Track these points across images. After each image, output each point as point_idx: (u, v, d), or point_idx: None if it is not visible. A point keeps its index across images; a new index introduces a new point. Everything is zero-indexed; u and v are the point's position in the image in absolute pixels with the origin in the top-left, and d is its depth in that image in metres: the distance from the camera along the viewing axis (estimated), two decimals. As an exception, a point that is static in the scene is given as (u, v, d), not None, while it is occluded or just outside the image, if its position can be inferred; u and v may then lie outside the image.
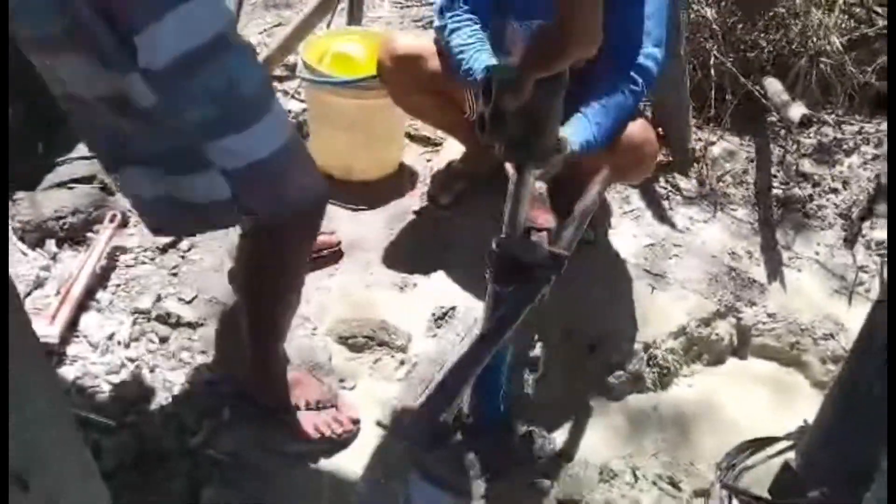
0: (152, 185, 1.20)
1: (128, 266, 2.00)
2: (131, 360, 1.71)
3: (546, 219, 1.91)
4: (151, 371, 1.70)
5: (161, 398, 1.65)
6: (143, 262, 2.00)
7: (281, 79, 2.79)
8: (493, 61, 1.75)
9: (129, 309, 1.86)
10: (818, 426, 0.86)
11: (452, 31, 1.85)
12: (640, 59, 1.77)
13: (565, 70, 1.10)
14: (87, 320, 1.80)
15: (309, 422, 1.60)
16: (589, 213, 1.52)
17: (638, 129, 1.81)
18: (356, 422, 1.64)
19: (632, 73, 1.78)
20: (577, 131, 1.72)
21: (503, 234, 1.37)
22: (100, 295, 1.90)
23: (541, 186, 1.89)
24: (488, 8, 1.87)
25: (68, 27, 1.03)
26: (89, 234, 2.05)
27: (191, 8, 1.04)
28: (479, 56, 1.79)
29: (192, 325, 1.83)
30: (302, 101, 2.56)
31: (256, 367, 1.58)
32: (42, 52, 1.12)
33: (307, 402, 1.62)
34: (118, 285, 1.95)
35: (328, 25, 2.64)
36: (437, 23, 1.88)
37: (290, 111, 2.55)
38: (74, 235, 2.02)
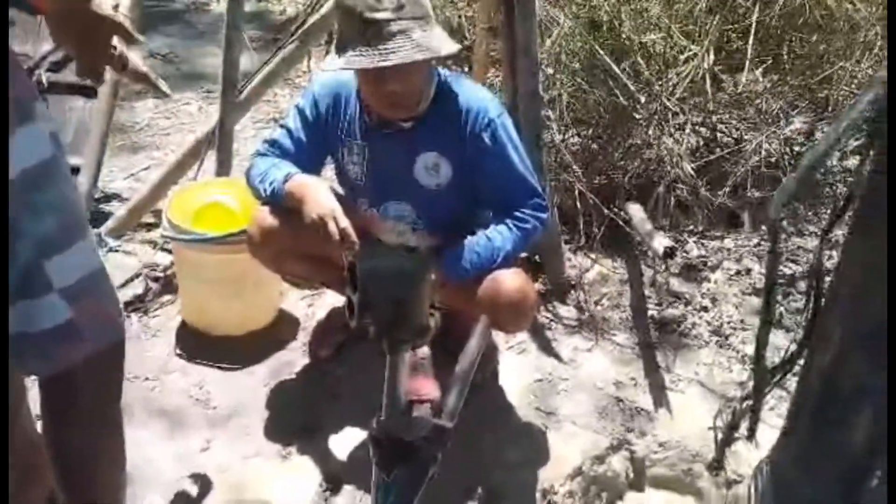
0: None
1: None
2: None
3: (429, 388, 1.88)
4: None
5: None
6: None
7: (149, 227, 2.68)
8: (295, 172, 1.79)
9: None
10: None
11: (258, 162, 1.89)
12: (528, 211, 1.84)
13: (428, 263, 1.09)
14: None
15: None
16: (470, 373, 1.49)
17: (517, 283, 1.81)
18: None
19: (519, 215, 1.83)
20: (450, 263, 1.76)
21: (382, 413, 1.31)
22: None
23: (422, 352, 1.86)
24: (314, 167, 1.91)
25: None
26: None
27: (32, 128, 1.11)
28: (284, 173, 1.79)
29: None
30: (170, 251, 2.45)
31: None
32: None
33: None
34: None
35: (196, 175, 2.57)
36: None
37: (157, 264, 2.43)
38: None
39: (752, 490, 0.98)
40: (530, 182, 1.87)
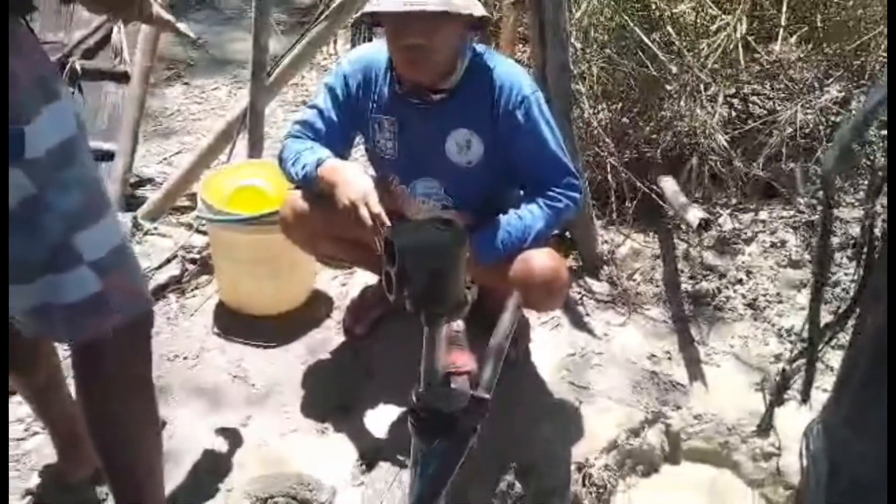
0: (23, 299, 1.20)
1: (18, 439, 1.83)
2: (19, 557, 1.53)
3: (465, 360, 1.89)
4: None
5: None
6: (36, 433, 1.84)
7: (183, 210, 2.71)
8: (328, 156, 1.78)
9: (19, 491, 1.68)
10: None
11: (291, 144, 1.88)
12: (560, 190, 1.82)
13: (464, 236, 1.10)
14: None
15: None
16: (504, 345, 1.49)
17: (549, 263, 1.79)
18: None
19: (551, 194, 1.82)
20: (482, 243, 1.75)
21: (421, 385, 1.32)
22: (-16, 476, 1.72)
23: (457, 325, 1.87)
24: (344, 145, 1.91)
25: None
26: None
27: (59, 105, 1.16)
28: (316, 157, 1.79)
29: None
30: (206, 233, 2.48)
31: None
32: None
33: None
34: (6, 463, 1.77)
35: (228, 158, 2.59)
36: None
37: (193, 246, 2.47)
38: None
39: (803, 450, 0.98)
40: (563, 161, 1.85)
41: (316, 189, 1.79)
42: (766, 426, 1.82)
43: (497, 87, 1.79)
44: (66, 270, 1.19)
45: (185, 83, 3.91)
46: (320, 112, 1.88)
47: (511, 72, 1.83)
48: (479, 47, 1.87)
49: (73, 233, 1.18)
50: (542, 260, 1.79)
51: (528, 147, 1.82)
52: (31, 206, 1.12)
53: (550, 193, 1.82)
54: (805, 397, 1.28)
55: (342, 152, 1.89)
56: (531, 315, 2.29)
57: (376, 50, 1.86)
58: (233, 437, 1.87)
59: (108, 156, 2.70)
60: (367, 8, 1.74)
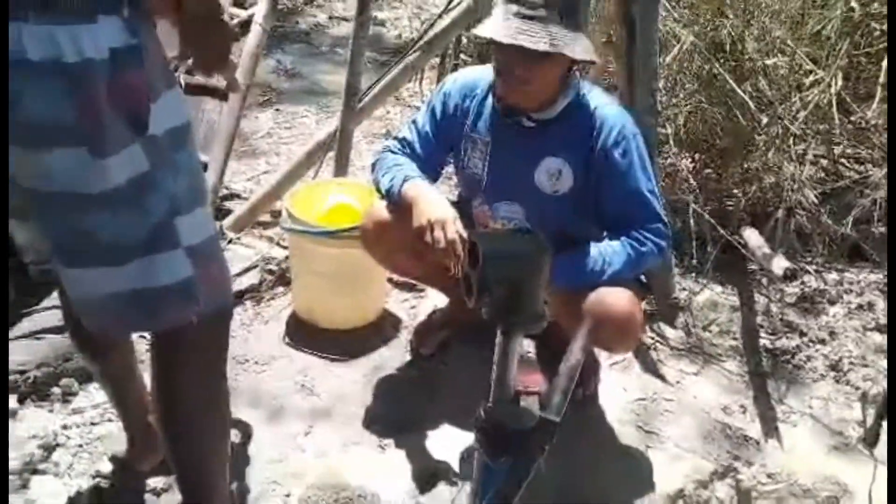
0: (110, 283, 1.21)
1: (93, 423, 1.89)
2: (88, 534, 1.57)
3: (535, 380, 1.85)
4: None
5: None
6: (111, 420, 1.89)
7: (266, 225, 2.80)
8: (419, 178, 1.81)
9: (89, 472, 1.73)
10: None
11: (385, 156, 1.92)
12: (647, 234, 1.79)
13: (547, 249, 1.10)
14: (41, 486, 1.67)
15: None
16: (575, 372, 1.46)
17: (624, 301, 1.75)
18: None
19: (637, 235, 1.79)
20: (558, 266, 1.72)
21: (490, 400, 1.31)
22: (57, 456, 1.77)
23: (528, 346, 1.85)
24: (437, 163, 1.95)
25: (74, 117, 1.08)
26: (54, 389, 1.95)
27: (177, 92, 1.23)
28: (404, 174, 1.81)
29: (156, 493, 1.70)
30: (285, 247, 2.55)
31: None
32: (34, 143, 1.10)
33: None
34: (80, 445, 1.83)
35: (314, 176, 2.68)
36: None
37: (273, 258, 2.54)
38: (39, 390, 1.92)
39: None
40: (654, 206, 1.82)
41: (397, 205, 1.83)
42: (871, 439, 1.72)
43: (598, 124, 1.79)
44: (163, 251, 1.21)
45: (277, 109, 4.07)
46: (417, 129, 1.93)
47: (615, 111, 1.84)
48: (587, 84, 1.88)
49: (175, 215, 1.20)
50: (617, 299, 1.75)
51: (621, 185, 1.80)
52: (140, 183, 1.15)
53: (636, 235, 1.79)
54: None
55: (434, 169, 1.93)
56: (601, 355, 2.25)
57: (481, 71, 1.90)
58: (293, 445, 1.89)
59: (202, 166, 2.82)
60: (478, 31, 1.76)
